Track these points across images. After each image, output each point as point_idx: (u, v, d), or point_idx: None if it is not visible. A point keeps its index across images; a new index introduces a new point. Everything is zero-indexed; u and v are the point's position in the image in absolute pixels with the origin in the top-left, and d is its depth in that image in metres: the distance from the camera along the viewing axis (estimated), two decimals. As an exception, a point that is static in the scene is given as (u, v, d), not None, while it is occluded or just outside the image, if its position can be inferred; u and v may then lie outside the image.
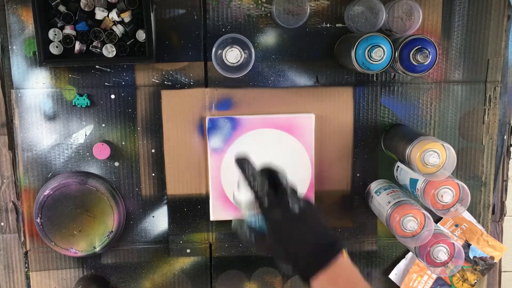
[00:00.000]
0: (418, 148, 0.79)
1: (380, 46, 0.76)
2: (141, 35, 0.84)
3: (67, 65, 0.87)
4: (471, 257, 0.96)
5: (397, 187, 0.90)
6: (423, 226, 0.82)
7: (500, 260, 0.98)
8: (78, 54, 0.85)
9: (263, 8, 0.88)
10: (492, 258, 0.96)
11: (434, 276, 0.96)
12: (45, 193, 0.86)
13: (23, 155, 0.89)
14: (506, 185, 0.97)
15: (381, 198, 0.88)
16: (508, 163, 0.97)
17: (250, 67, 0.82)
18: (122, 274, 0.95)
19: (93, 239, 0.88)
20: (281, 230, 0.66)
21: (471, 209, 0.95)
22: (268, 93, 0.90)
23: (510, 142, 0.96)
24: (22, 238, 0.92)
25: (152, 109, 0.90)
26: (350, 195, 0.95)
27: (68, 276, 0.94)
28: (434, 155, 0.78)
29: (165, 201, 0.93)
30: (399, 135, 0.88)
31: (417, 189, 0.84)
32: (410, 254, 0.97)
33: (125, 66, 0.88)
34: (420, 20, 0.87)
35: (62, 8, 0.83)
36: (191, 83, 0.89)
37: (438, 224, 0.95)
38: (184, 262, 0.95)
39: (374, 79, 0.91)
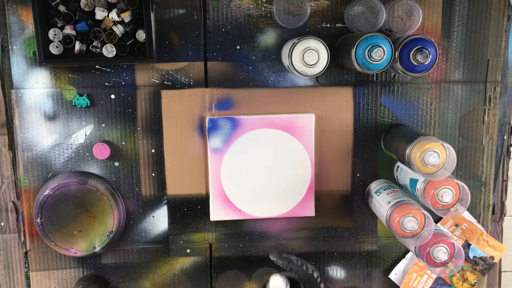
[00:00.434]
0: (418, 148, 0.79)
1: (380, 46, 0.76)
2: (141, 35, 0.84)
3: (67, 65, 0.87)
4: (471, 257, 0.96)
5: (397, 187, 0.90)
6: (423, 226, 0.82)
7: (500, 260, 0.98)
8: (78, 54, 0.85)
9: (263, 8, 0.88)
10: (492, 258, 0.96)
11: (434, 276, 0.96)
12: (45, 193, 0.86)
13: (23, 155, 0.89)
14: (506, 185, 0.97)
15: (381, 198, 0.88)
16: (508, 163, 0.97)
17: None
18: (122, 274, 0.95)
19: (93, 239, 0.88)
20: None
21: (471, 209, 0.95)
22: (268, 93, 0.90)
23: (510, 142, 0.96)
24: (22, 238, 0.92)
25: (152, 109, 0.90)
26: (350, 195, 0.95)
27: (68, 276, 0.94)
28: (434, 155, 0.78)
29: (165, 201, 0.93)
30: (399, 135, 0.88)
31: (417, 189, 0.84)
32: (410, 254, 0.97)
33: (125, 66, 0.88)
34: (420, 20, 0.87)
35: (62, 8, 0.83)
36: (191, 83, 0.89)
37: (438, 224, 0.95)
38: (184, 262, 0.95)
39: (374, 79, 0.91)
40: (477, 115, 0.93)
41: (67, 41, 0.84)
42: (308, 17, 0.86)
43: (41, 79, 0.88)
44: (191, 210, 0.93)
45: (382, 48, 0.76)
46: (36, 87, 0.88)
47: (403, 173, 0.89)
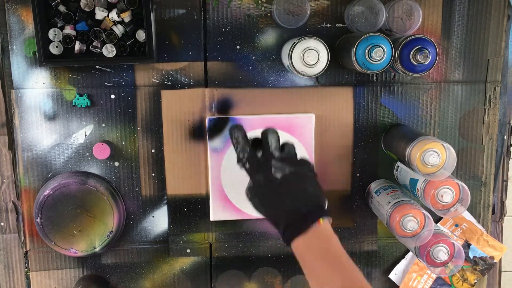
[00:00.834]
0: (418, 148, 0.79)
1: (380, 46, 0.76)
2: (141, 35, 0.84)
3: (67, 65, 0.87)
4: (471, 257, 0.96)
5: (397, 187, 0.90)
6: (423, 226, 0.82)
7: (500, 260, 0.98)
8: (78, 54, 0.85)
9: (263, 8, 0.88)
10: (492, 258, 0.96)
11: (434, 276, 0.96)
12: (45, 193, 0.86)
13: (23, 155, 0.89)
14: (506, 185, 0.97)
15: (381, 198, 0.88)
16: (508, 163, 0.97)
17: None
18: (122, 274, 0.95)
19: (93, 239, 0.88)
20: (261, 195, 0.70)
21: (471, 209, 0.95)
22: (268, 93, 0.90)
23: (510, 142, 0.96)
24: (22, 238, 0.92)
25: (152, 109, 0.90)
26: (350, 195, 0.95)
27: (68, 276, 0.94)
28: (434, 155, 0.78)
29: (165, 201, 0.93)
30: (399, 135, 0.88)
31: (417, 189, 0.84)
32: (410, 254, 0.97)
33: (125, 66, 0.88)
34: (420, 20, 0.87)
35: (62, 8, 0.83)
36: (191, 83, 0.89)
37: (438, 224, 0.95)
38: (184, 262, 0.95)
39: (374, 79, 0.91)
40: (477, 115, 0.93)
41: (67, 41, 0.84)
42: (308, 17, 0.86)
43: (41, 79, 0.88)
44: (191, 210, 0.93)
45: (382, 48, 0.76)
46: (36, 87, 0.88)
47: (403, 173, 0.89)
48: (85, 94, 0.88)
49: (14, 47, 0.86)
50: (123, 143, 0.90)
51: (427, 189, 0.82)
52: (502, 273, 1.00)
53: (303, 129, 0.90)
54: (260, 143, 0.75)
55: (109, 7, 0.84)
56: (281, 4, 0.86)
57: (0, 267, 0.94)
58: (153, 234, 0.94)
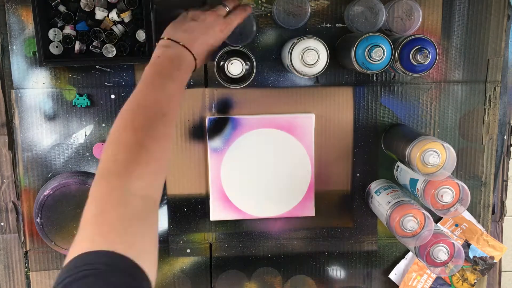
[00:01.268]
0: (418, 148, 0.79)
1: (380, 46, 0.76)
2: (141, 35, 0.84)
3: (67, 65, 0.87)
4: (471, 256, 0.96)
5: (397, 187, 0.90)
6: (423, 226, 0.82)
7: (500, 260, 0.98)
8: (78, 54, 0.85)
9: (263, 8, 0.88)
10: (492, 258, 0.96)
11: (434, 275, 0.96)
12: (45, 193, 0.86)
13: (23, 155, 0.89)
14: (506, 185, 0.97)
15: (381, 198, 0.88)
16: (508, 163, 0.97)
17: (252, 78, 0.82)
18: (122, 274, 0.95)
19: (93, 239, 0.88)
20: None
21: (471, 209, 0.95)
22: (268, 93, 0.90)
23: (510, 142, 0.96)
24: (22, 238, 0.92)
25: (152, 109, 0.89)
26: (350, 195, 0.95)
27: (68, 276, 0.94)
28: (434, 155, 0.78)
29: (165, 201, 0.93)
30: (399, 135, 0.88)
31: (417, 189, 0.84)
32: (410, 254, 0.97)
33: (125, 66, 0.88)
34: (420, 20, 0.87)
35: (62, 8, 0.83)
36: (191, 83, 0.89)
37: (438, 224, 0.95)
38: (184, 262, 0.95)
39: (374, 79, 0.91)
40: (477, 115, 0.93)
41: (67, 41, 0.84)
42: (308, 17, 0.86)
43: (41, 79, 0.88)
44: (191, 210, 0.93)
45: (382, 48, 0.76)
46: (36, 87, 0.88)
47: (403, 173, 0.89)
48: (85, 94, 0.88)
49: (14, 47, 0.86)
50: (123, 143, 0.90)
51: (427, 189, 0.82)
52: (502, 273, 1.00)
53: (303, 129, 0.90)
54: None
55: (109, 7, 0.84)
56: (281, 5, 0.86)
57: (0, 267, 0.94)
58: (153, 234, 0.94)
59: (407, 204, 0.83)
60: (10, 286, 0.94)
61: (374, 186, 0.92)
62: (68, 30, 0.84)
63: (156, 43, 0.74)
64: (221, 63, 0.80)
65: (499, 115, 0.94)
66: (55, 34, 0.84)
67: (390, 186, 0.90)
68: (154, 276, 0.52)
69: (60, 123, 0.89)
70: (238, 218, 0.93)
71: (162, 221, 0.93)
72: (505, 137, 0.95)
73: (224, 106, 0.90)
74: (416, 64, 0.78)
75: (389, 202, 0.85)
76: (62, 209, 0.87)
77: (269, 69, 0.90)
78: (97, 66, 0.88)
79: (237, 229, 0.95)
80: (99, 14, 0.83)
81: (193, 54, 0.72)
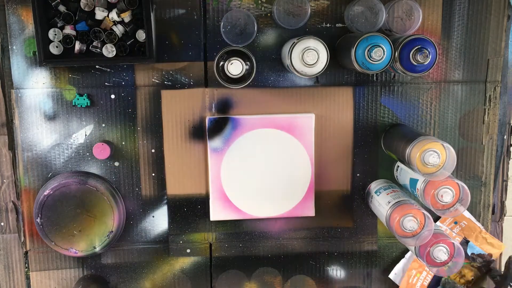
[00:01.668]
0: (418, 148, 0.79)
1: (380, 46, 0.76)
2: (141, 35, 0.84)
3: (67, 65, 0.87)
4: (469, 254, 0.96)
5: (397, 187, 0.90)
6: (423, 226, 0.82)
7: (500, 260, 0.98)
8: (78, 54, 0.85)
9: (263, 8, 0.88)
10: (490, 255, 0.96)
11: (432, 273, 0.96)
12: (45, 193, 0.86)
13: (23, 155, 0.89)
14: (506, 185, 0.97)
15: (381, 198, 0.88)
16: (508, 163, 0.97)
17: (252, 78, 0.82)
18: (122, 274, 0.95)
19: (93, 239, 0.88)
20: None
21: (471, 209, 0.95)
22: (268, 93, 0.90)
23: (510, 142, 0.96)
24: (22, 238, 0.92)
25: (152, 109, 0.90)
26: (350, 195, 0.95)
27: (68, 276, 0.94)
28: (434, 155, 0.78)
29: (165, 201, 0.93)
30: (399, 135, 0.88)
31: (417, 189, 0.84)
32: (409, 254, 0.97)
33: (125, 66, 0.88)
34: (420, 20, 0.87)
35: (62, 8, 0.83)
36: (191, 83, 0.89)
37: (437, 222, 0.95)
38: (184, 262, 0.95)
39: (374, 79, 0.91)
40: (477, 115, 0.93)
41: (67, 41, 0.84)
42: (308, 17, 0.86)
43: (41, 79, 0.88)
44: (191, 210, 0.93)
45: (382, 48, 0.76)
46: (36, 87, 0.88)
47: (403, 173, 0.89)
48: (85, 94, 0.88)
49: (14, 47, 0.86)
50: (123, 143, 0.90)
51: (427, 189, 0.82)
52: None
53: (303, 129, 0.90)
54: None
55: (109, 7, 0.84)
56: (281, 5, 0.86)
57: (0, 267, 0.94)
58: (153, 234, 0.94)
59: (407, 204, 0.83)
60: (10, 286, 0.94)
61: (374, 186, 0.92)
62: (68, 30, 0.84)
63: None
64: (221, 63, 0.80)
65: (499, 115, 0.94)
66: (55, 34, 0.84)
67: (390, 186, 0.90)
68: None
69: (60, 123, 0.89)
70: (238, 218, 0.93)
71: (162, 221, 0.93)
72: (505, 137, 0.95)
73: (224, 106, 0.90)
74: (416, 64, 0.78)
75: (389, 202, 0.85)
76: (62, 209, 0.87)
77: (269, 69, 0.90)
78: (97, 66, 0.88)
79: (237, 229, 0.95)
80: (99, 14, 0.83)
81: None
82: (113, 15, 0.83)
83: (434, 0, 0.89)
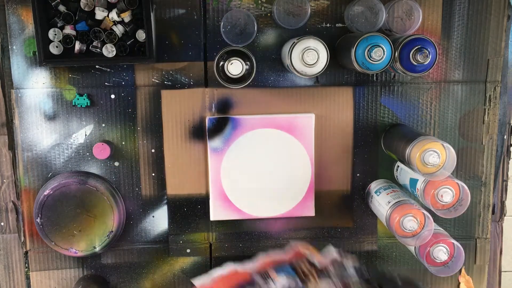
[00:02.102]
0: (418, 148, 0.79)
1: (380, 46, 0.76)
2: (141, 35, 0.84)
3: (67, 65, 0.87)
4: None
5: (397, 187, 0.90)
6: (423, 226, 0.82)
7: (500, 260, 0.98)
8: (78, 54, 0.85)
9: (263, 8, 0.88)
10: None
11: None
12: (45, 193, 0.86)
13: (23, 155, 0.89)
14: (506, 185, 0.97)
15: (381, 198, 0.88)
16: (508, 163, 0.97)
17: (252, 78, 0.82)
18: (122, 274, 0.95)
19: (93, 239, 0.88)
20: None
21: (471, 209, 0.95)
22: (268, 93, 0.90)
23: (510, 142, 0.96)
24: (22, 238, 0.92)
25: (152, 109, 0.90)
26: (350, 195, 0.95)
27: (68, 276, 0.94)
28: (434, 155, 0.78)
29: (165, 201, 0.93)
30: (399, 135, 0.88)
31: (417, 189, 0.84)
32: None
33: (125, 66, 0.88)
34: (420, 20, 0.87)
35: (62, 8, 0.83)
36: (191, 83, 0.89)
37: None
38: (184, 262, 0.95)
39: (374, 79, 0.91)
40: (477, 115, 0.93)
41: (67, 41, 0.84)
42: (308, 17, 0.86)
43: (41, 79, 0.88)
44: (191, 210, 0.93)
45: (382, 48, 0.76)
46: (36, 87, 0.88)
47: (403, 173, 0.89)
48: (85, 94, 0.88)
49: (14, 47, 0.86)
50: (123, 143, 0.90)
51: (427, 189, 0.82)
52: (502, 273, 1.00)
53: (303, 129, 0.90)
54: None
55: (109, 7, 0.84)
56: (281, 5, 0.86)
57: (0, 267, 0.94)
58: (153, 234, 0.94)
59: (407, 204, 0.83)
60: (10, 286, 0.94)
61: (374, 186, 0.92)
62: (68, 30, 0.84)
63: None
64: (221, 63, 0.80)
65: (499, 115, 0.94)
66: (55, 34, 0.84)
67: (390, 186, 0.90)
68: None
69: (60, 123, 0.89)
70: (238, 218, 0.93)
71: (162, 221, 0.93)
72: (505, 137, 0.95)
73: (224, 106, 0.90)
74: (416, 64, 0.78)
75: (389, 202, 0.85)
76: (62, 209, 0.87)
77: (269, 69, 0.90)
78: (97, 66, 0.88)
79: (237, 229, 0.95)
80: (99, 14, 0.83)
81: None
82: (113, 15, 0.83)
83: (434, 0, 0.89)
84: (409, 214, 0.81)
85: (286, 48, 0.82)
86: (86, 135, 0.90)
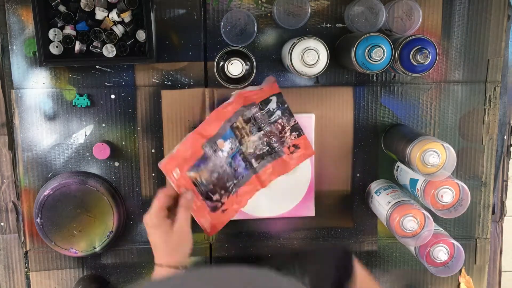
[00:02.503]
0: (418, 148, 0.79)
1: (380, 46, 0.76)
2: (141, 35, 0.84)
3: (67, 65, 0.87)
4: None
5: (397, 187, 0.90)
6: (423, 226, 0.82)
7: (500, 260, 0.98)
8: (78, 54, 0.85)
9: (263, 8, 0.88)
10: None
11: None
12: (45, 193, 0.86)
13: (23, 155, 0.89)
14: (506, 185, 0.97)
15: (381, 198, 0.88)
16: (508, 163, 0.97)
17: (252, 78, 0.82)
18: (122, 274, 0.95)
19: (93, 239, 0.88)
20: None
21: (471, 209, 0.95)
22: (268, 93, 0.90)
23: (510, 142, 0.96)
24: (22, 238, 0.92)
25: (152, 109, 0.90)
26: (350, 195, 0.95)
27: (68, 276, 0.94)
28: (434, 155, 0.78)
29: (165, 201, 0.92)
30: (399, 135, 0.88)
31: (417, 189, 0.84)
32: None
33: (125, 66, 0.88)
34: (420, 20, 0.87)
35: (62, 8, 0.83)
36: (191, 83, 0.89)
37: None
38: (184, 262, 0.95)
39: (374, 79, 0.91)
40: (477, 115, 0.93)
41: (67, 41, 0.84)
42: (308, 17, 0.86)
43: (41, 79, 0.88)
44: (191, 210, 0.93)
45: (382, 48, 0.76)
46: (36, 87, 0.88)
47: (403, 173, 0.89)
48: (85, 94, 0.88)
49: (14, 47, 0.86)
50: (123, 143, 0.90)
51: (427, 189, 0.82)
52: (502, 273, 1.00)
53: (303, 129, 0.90)
54: None
55: (109, 7, 0.84)
56: (281, 5, 0.86)
57: (0, 267, 0.94)
58: (153, 234, 0.94)
59: (407, 204, 0.83)
60: (10, 286, 0.94)
61: (374, 186, 0.92)
62: (68, 30, 0.84)
63: None
64: (221, 63, 0.80)
65: (499, 115, 0.94)
66: (55, 34, 0.84)
67: (390, 186, 0.90)
68: None
69: (60, 123, 0.89)
70: (238, 218, 0.93)
71: (162, 221, 0.93)
72: (505, 137, 0.95)
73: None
74: (416, 64, 0.78)
75: (389, 202, 0.85)
76: (62, 209, 0.87)
77: (269, 69, 0.90)
78: (97, 66, 0.88)
79: (237, 229, 0.95)
80: (99, 14, 0.83)
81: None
82: (113, 15, 0.83)
83: (434, 0, 0.89)
84: (409, 214, 0.81)
85: (286, 48, 0.82)
86: (86, 135, 0.90)
